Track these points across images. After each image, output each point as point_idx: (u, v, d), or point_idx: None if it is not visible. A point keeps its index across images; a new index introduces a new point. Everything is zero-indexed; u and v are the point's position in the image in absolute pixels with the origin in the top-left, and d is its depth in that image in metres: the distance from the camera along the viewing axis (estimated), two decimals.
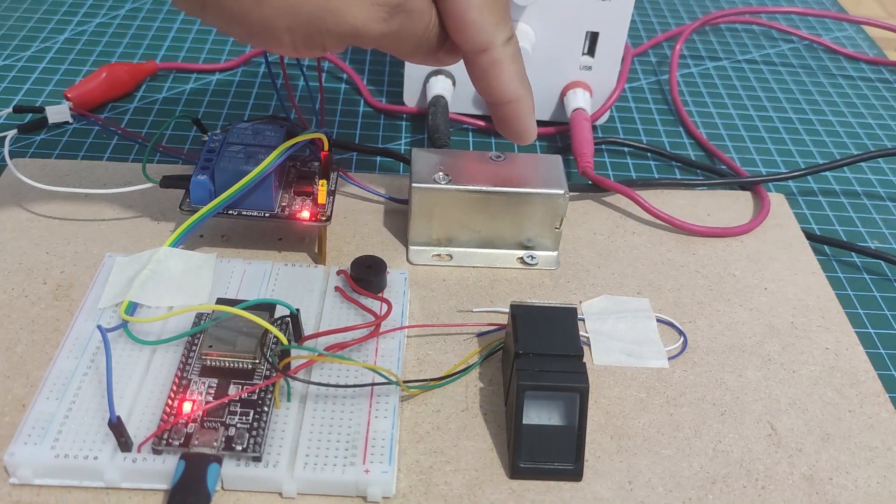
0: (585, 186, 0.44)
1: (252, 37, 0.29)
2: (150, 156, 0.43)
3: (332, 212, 0.37)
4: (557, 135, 0.50)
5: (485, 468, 0.30)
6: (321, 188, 0.37)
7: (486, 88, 0.33)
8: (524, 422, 0.30)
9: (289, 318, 0.32)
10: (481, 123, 0.50)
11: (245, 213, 0.37)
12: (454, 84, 0.49)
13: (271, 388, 0.30)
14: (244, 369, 0.30)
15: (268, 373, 0.30)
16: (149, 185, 0.38)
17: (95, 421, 0.29)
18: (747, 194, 0.45)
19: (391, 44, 0.31)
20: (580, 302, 0.37)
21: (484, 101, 0.34)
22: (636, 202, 0.42)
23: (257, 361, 0.30)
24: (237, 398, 0.29)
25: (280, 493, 0.28)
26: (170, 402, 0.29)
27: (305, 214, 0.37)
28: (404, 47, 0.31)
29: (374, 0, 0.28)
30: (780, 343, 0.36)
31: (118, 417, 0.27)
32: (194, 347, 0.31)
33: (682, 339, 0.36)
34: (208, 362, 0.30)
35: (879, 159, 0.50)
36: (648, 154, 0.49)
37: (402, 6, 0.29)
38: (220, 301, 0.32)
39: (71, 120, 0.47)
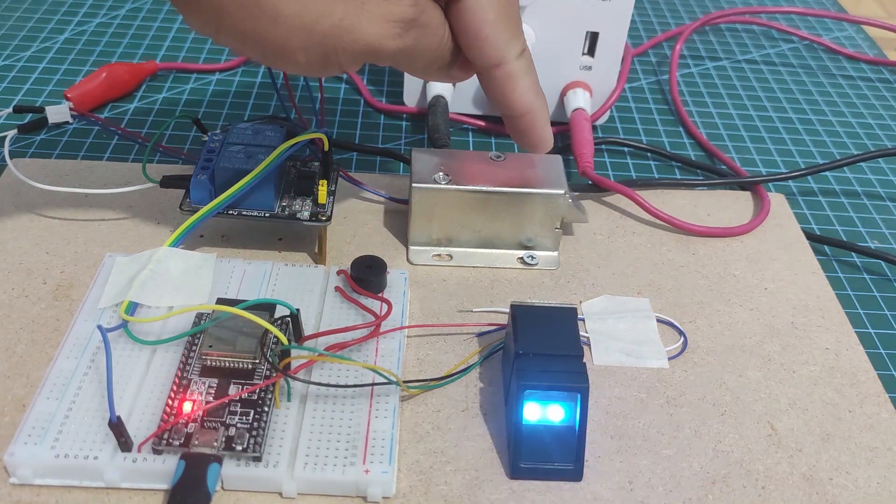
0: (585, 186, 0.44)
1: (267, 57, 0.29)
2: (150, 156, 0.43)
3: (332, 212, 0.37)
4: (557, 135, 0.50)
5: (485, 468, 0.30)
6: (321, 188, 0.37)
7: (501, 101, 0.34)
8: (524, 422, 0.30)
9: (289, 318, 0.32)
10: (481, 123, 0.50)
11: (245, 213, 0.37)
12: (454, 84, 0.49)
13: (271, 388, 0.30)
14: (244, 369, 0.30)
15: (268, 373, 0.30)
16: (149, 185, 0.38)
17: (95, 421, 0.29)
18: (747, 194, 0.45)
19: (405, 60, 0.31)
20: (580, 302, 0.37)
21: (495, 108, 0.35)
22: (636, 202, 0.42)
23: (257, 361, 0.30)
24: (237, 398, 0.29)
25: (280, 493, 0.28)
26: (170, 402, 0.29)
27: (305, 214, 0.37)
28: (418, 64, 0.31)
29: (388, 17, 0.28)
30: (780, 343, 0.36)
31: (118, 417, 0.27)
32: (194, 347, 0.31)
33: (682, 339, 0.36)
34: (208, 362, 0.30)
35: (879, 159, 0.50)
36: (648, 154, 0.49)
37: (417, 21, 0.29)
38: (220, 301, 0.32)
39: (71, 120, 0.47)
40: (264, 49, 0.29)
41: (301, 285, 0.35)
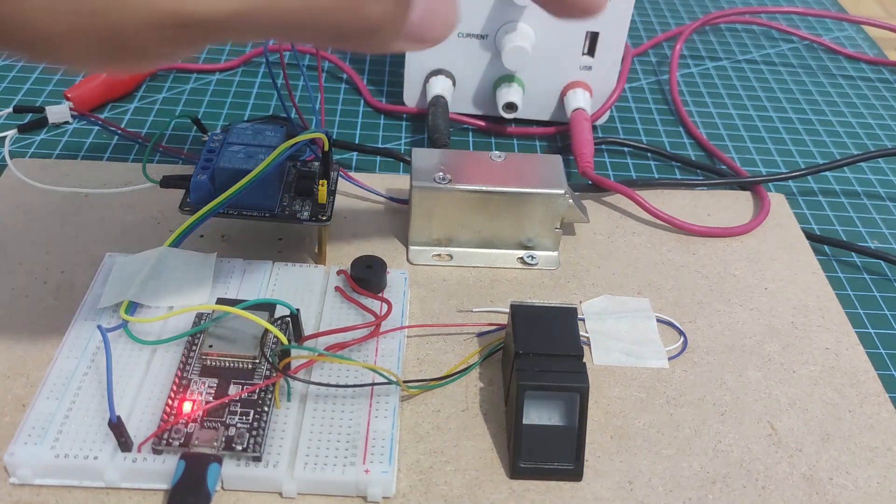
0: (585, 186, 0.44)
1: (27, 50, 0.20)
2: (150, 156, 0.43)
3: (332, 212, 0.37)
4: (557, 135, 0.50)
5: (485, 468, 0.30)
6: (321, 188, 0.37)
7: None
8: (524, 422, 0.30)
9: (289, 318, 0.32)
10: (481, 123, 0.50)
11: (245, 213, 0.37)
12: (454, 84, 0.49)
13: (271, 388, 0.30)
14: (244, 369, 0.30)
15: (268, 373, 0.30)
16: (149, 185, 0.38)
17: (95, 421, 0.29)
18: (747, 194, 0.45)
19: (276, 29, 0.20)
20: (580, 302, 0.37)
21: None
22: (636, 202, 0.42)
23: (257, 361, 0.30)
24: (237, 398, 0.29)
25: (280, 493, 0.28)
26: (170, 402, 0.29)
27: (305, 214, 0.37)
28: (306, 34, 0.21)
29: None
30: (780, 343, 0.36)
31: (118, 417, 0.27)
32: (194, 347, 0.31)
33: (682, 339, 0.36)
34: (208, 362, 0.30)
35: (879, 159, 0.50)
36: (648, 154, 0.49)
37: None
38: (220, 301, 0.32)
39: (71, 120, 0.47)
40: (14, 39, 0.19)
41: (301, 285, 0.35)
